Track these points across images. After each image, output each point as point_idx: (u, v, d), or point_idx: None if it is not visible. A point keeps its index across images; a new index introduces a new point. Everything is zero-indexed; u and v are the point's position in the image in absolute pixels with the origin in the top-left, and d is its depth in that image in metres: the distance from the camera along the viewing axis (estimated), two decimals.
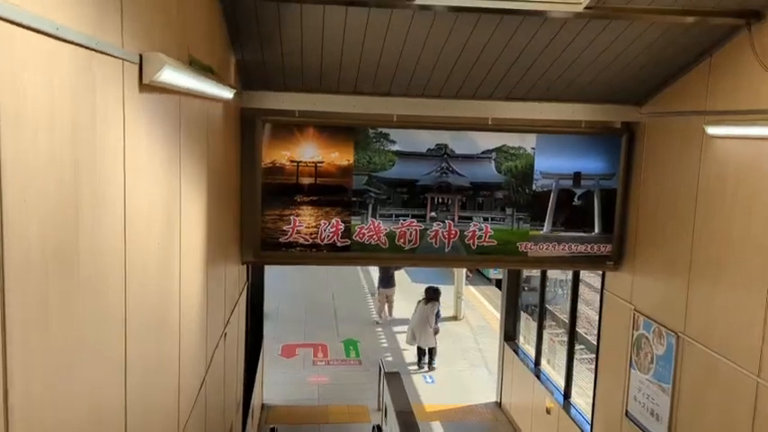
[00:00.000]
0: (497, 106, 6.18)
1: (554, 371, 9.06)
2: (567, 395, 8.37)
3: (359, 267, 22.45)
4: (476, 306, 16.86)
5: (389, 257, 6.47)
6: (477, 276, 19.99)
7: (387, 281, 15.23)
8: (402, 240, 6.34)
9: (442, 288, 17.91)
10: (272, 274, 17.39)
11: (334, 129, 6.09)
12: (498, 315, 16.32)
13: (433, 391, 11.40)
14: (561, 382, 8.51)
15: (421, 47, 5.27)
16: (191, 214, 3.61)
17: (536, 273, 10.47)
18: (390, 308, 15.59)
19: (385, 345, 13.75)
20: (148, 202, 2.63)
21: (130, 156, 2.32)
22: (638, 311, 6.32)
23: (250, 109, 6.00)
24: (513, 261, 6.65)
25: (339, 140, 6.12)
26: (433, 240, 6.38)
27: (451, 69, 5.74)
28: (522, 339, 10.29)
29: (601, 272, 7.04)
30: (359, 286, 18.85)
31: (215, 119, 4.46)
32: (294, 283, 18.73)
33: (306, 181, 6.14)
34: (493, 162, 6.32)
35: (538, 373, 9.34)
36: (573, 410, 8.11)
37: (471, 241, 6.41)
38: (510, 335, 10.60)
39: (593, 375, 7.37)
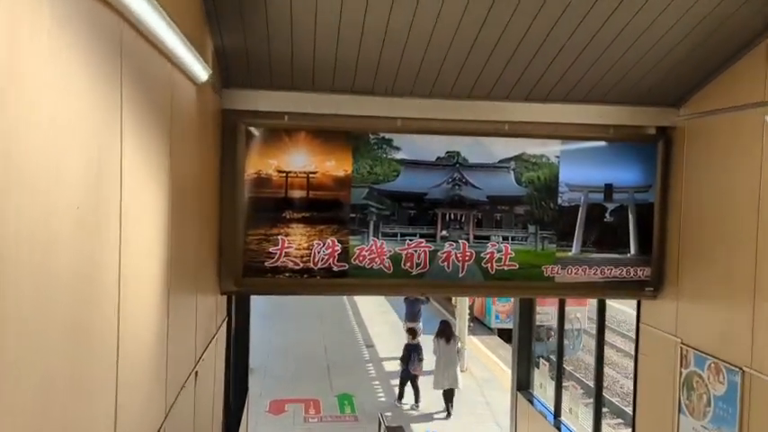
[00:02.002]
0: (515, 108, 5.41)
1: (578, 422, 8.00)
2: None
3: (352, 316, 21.37)
4: (479, 357, 15.75)
5: (395, 284, 5.54)
6: (478, 326, 18.90)
7: (413, 316, 14.90)
8: (409, 264, 5.43)
9: None
10: (257, 323, 16.33)
11: (329, 134, 5.28)
12: (504, 367, 15.25)
13: None
14: None
15: (429, 35, 4.53)
16: (141, 224, 2.72)
17: (547, 321, 9.53)
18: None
19: (383, 399, 12.58)
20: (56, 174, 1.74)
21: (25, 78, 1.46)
22: (686, 345, 5.38)
23: (231, 111, 5.19)
24: (538, 288, 5.74)
25: (335, 147, 5.29)
26: (446, 264, 5.48)
27: (463, 64, 4.98)
28: (538, 388, 9.22)
29: (636, 301, 6.12)
30: (353, 338, 17.72)
31: (184, 103, 3.62)
32: (282, 335, 17.60)
33: (296, 194, 5.27)
34: (512, 172, 5.50)
35: (559, 425, 8.27)
36: None
37: (489, 264, 5.51)
38: (523, 384, 9.53)
39: (632, 425, 6.33)
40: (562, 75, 5.14)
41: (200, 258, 4.42)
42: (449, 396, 11.56)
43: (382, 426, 8.55)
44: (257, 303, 21.62)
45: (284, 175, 5.25)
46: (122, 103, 2.35)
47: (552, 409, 8.50)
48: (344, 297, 24.40)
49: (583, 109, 5.46)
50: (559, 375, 8.45)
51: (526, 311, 9.51)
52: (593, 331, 7.45)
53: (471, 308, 17.31)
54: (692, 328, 5.35)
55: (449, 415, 11.62)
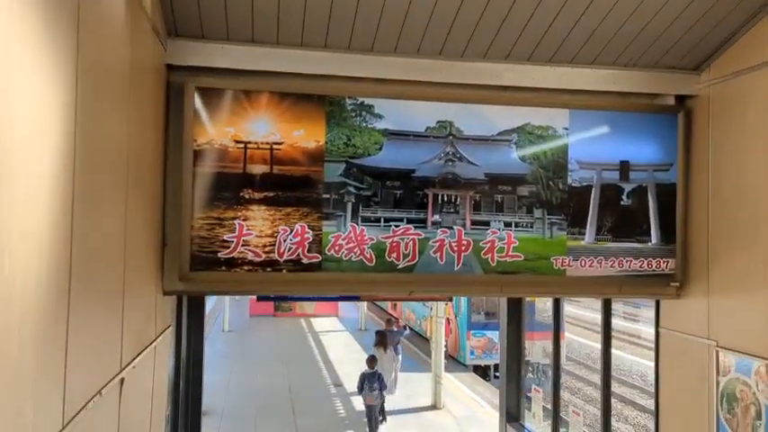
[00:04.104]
0: (516, 71, 4.64)
1: None
2: None
3: (317, 352, 20.02)
4: (455, 394, 14.66)
5: (377, 280, 4.58)
6: (452, 363, 17.83)
7: (392, 348, 14.16)
8: (395, 255, 4.50)
9: (417, 375, 15.77)
10: (214, 363, 14.97)
11: (297, 97, 4.38)
12: (483, 403, 14.19)
13: None
14: None
15: None
16: (22, 207, 1.85)
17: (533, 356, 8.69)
18: (395, 378, 14.20)
19: None
20: None
21: None
22: (723, 348, 4.54)
23: (179, 67, 4.27)
24: (546, 285, 4.85)
25: (305, 113, 4.40)
26: (438, 254, 4.57)
27: (455, 16, 4.21)
28: (530, 418, 8.24)
29: (654, 302, 5.28)
30: (320, 378, 16.44)
31: (99, 48, 2.70)
32: (242, 375, 16.24)
33: (257, 170, 4.33)
34: (514, 147, 4.67)
35: None
36: None
37: (489, 255, 4.62)
38: (513, 415, 8.54)
39: None
40: (569, 30, 4.40)
41: (134, 248, 3.44)
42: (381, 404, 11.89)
43: None
44: (214, 342, 20.24)
45: (243, 146, 4.31)
46: None
47: None
48: (310, 336, 23.17)
49: (593, 74, 4.72)
50: (556, 403, 7.50)
51: (514, 338, 8.61)
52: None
53: (446, 345, 16.33)
54: (728, 328, 4.52)
55: (383, 420, 11.91)
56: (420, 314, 22.83)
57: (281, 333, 23.13)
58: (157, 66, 4.05)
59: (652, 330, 5.43)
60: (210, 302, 27.17)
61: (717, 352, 4.58)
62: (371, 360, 11.78)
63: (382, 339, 13.27)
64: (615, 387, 11.52)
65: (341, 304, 29.24)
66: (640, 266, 4.81)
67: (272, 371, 16.78)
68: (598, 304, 14.08)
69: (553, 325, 7.52)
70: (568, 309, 18.10)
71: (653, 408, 5.48)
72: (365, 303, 27.13)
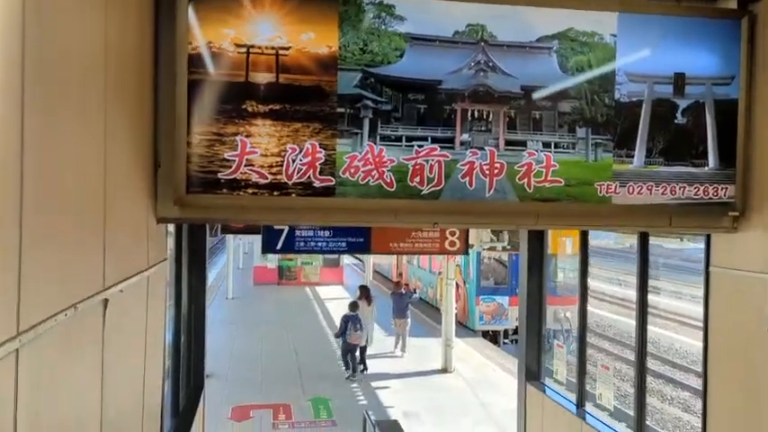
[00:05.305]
0: None
1: (618, 405, 6.57)
2: None
3: (322, 318, 19.62)
4: (466, 359, 14.26)
5: (399, 208, 4.04)
6: (461, 329, 17.43)
7: (401, 311, 14.59)
8: (418, 179, 3.95)
9: (426, 340, 15.38)
10: (216, 331, 14.58)
11: None
12: (494, 366, 13.79)
13: None
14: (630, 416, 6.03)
15: None
16: None
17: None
18: (404, 341, 14.64)
19: (363, 402, 10.96)
20: None
21: None
22: None
23: None
24: (589, 215, 4.31)
25: (314, 13, 3.81)
26: (467, 179, 4.02)
27: None
28: (553, 374, 7.78)
29: (704, 238, 4.74)
30: (326, 342, 16.06)
31: None
32: (246, 339, 15.88)
33: (261, 78, 3.76)
34: (555, 55, 4.09)
35: (583, 414, 6.83)
36: None
37: (526, 180, 4.06)
38: (533, 373, 8.08)
39: (702, 410, 4.88)
40: None
41: (116, 166, 2.91)
42: (361, 351, 12.94)
43: (368, 424, 6.96)
44: (218, 309, 19.85)
45: (244, 50, 3.74)
46: None
47: (575, 397, 7.07)
48: (315, 303, 22.77)
49: None
50: (582, 356, 7.03)
51: (534, 294, 8.11)
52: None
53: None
54: None
55: (364, 369, 12.84)
56: (427, 281, 22.39)
57: (285, 301, 22.76)
58: None
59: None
60: (213, 273, 26.79)
61: None
62: (354, 305, 13.13)
63: (364, 292, 14.30)
64: (628, 354, 11.11)
65: (346, 272, 28.89)
66: (695, 193, 4.25)
67: (277, 336, 16.43)
68: (610, 274, 13.57)
69: (580, 266, 7.00)
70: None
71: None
72: (371, 271, 26.73)
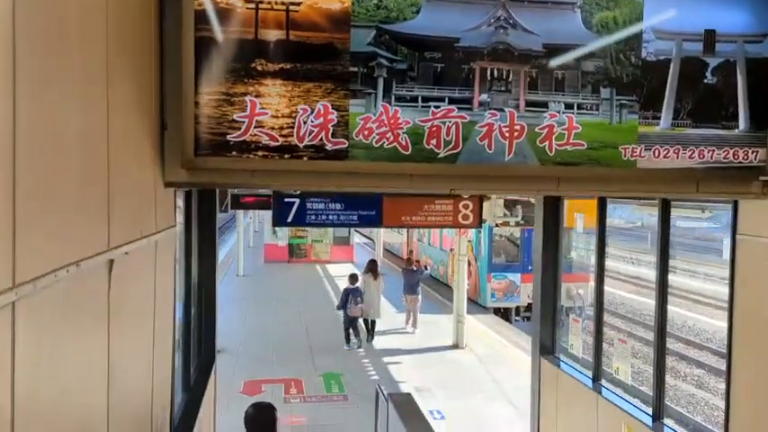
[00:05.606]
0: None
1: (631, 382, 6.45)
2: (658, 415, 5.74)
3: (333, 295, 19.59)
4: (478, 335, 14.19)
5: (414, 172, 3.89)
6: (472, 305, 17.36)
7: (411, 287, 14.57)
8: (435, 142, 3.80)
9: (437, 316, 15.31)
10: (227, 307, 14.57)
11: None
12: (506, 342, 13.72)
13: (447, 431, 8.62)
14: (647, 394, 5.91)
15: None
16: None
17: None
18: (415, 317, 14.68)
19: (375, 377, 10.92)
20: None
21: None
22: None
23: None
24: (612, 180, 4.13)
25: None
26: (486, 142, 3.85)
27: None
28: (569, 349, 7.65)
29: (732, 202, 4.57)
30: (337, 319, 16.04)
31: None
32: (256, 317, 15.87)
33: (271, 35, 3.60)
34: (578, 11, 3.89)
35: (599, 389, 6.72)
36: None
37: (547, 143, 3.90)
38: (547, 348, 7.96)
39: (725, 390, 4.74)
40: None
41: (120, 126, 2.76)
42: (372, 325, 13.54)
43: (381, 397, 6.89)
44: (229, 285, 19.86)
45: (253, 6, 3.57)
46: None
47: (590, 372, 6.95)
48: (326, 281, 22.74)
49: None
50: (599, 329, 6.90)
51: (549, 268, 7.95)
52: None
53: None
54: None
55: (371, 338, 13.44)
56: (438, 259, 22.29)
57: (296, 278, 22.74)
58: None
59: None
60: (224, 251, 26.80)
61: None
62: (353, 277, 13.49)
63: (372, 267, 14.17)
64: (641, 332, 10.93)
65: (356, 250, 28.81)
66: (724, 157, 4.07)
67: (288, 313, 16.41)
68: (622, 252, 13.29)
69: (597, 234, 6.83)
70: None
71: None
72: (381, 249, 26.65)
